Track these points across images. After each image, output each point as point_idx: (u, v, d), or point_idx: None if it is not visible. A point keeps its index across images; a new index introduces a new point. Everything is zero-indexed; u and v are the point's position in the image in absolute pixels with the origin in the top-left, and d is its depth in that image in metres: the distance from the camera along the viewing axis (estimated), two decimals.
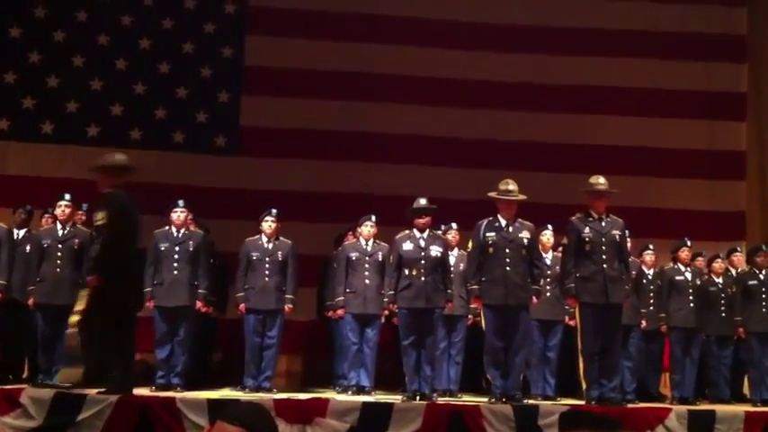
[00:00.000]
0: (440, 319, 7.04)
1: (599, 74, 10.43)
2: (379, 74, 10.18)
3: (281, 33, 10.16)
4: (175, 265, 7.16)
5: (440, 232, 8.02)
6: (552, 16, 10.53)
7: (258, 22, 10.27)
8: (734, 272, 8.31)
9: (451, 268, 7.55)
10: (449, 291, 6.97)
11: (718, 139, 10.56)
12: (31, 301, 7.16)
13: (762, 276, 7.91)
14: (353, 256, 7.66)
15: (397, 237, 7.03)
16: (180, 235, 7.27)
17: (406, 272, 6.85)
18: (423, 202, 7.06)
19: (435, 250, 6.90)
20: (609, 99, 10.39)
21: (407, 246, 6.90)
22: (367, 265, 7.61)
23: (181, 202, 7.34)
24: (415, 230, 6.97)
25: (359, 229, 7.83)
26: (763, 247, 8.19)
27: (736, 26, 10.83)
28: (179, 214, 7.28)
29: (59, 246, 7.17)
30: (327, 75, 10.13)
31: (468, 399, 7.21)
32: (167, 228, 7.30)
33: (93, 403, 6.01)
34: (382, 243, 7.66)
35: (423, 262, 6.83)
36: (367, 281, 7.56)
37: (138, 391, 6.53)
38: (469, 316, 7.71)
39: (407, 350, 6.81)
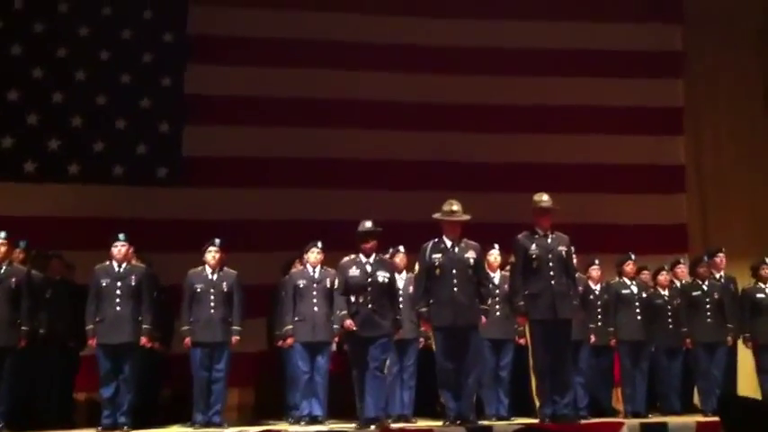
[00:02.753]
0: (389, 345, 6.88)
1: (539, 93, 10.53)
2: (320, 99, 10.13)
3: (221, 61, 10.05)
4: (118, 300, 6.98)
5: (387, 256, 8.00)
6: (493, 38, 10.63)
7: (197, 50, 10.15)
8: (678, 284, 8.42)
9: (400, 292, 7.54)
10: (397, 317, 6.86)
11: (658, 154, 10.73)
12: None
13: (705, 287, 8.02)
14: (301, 283, 7.57)
15: (343, 261, 6.88)
16: (121, 270, 7.10)
17: (353, 299, 6.70)
18: (368, 224, 6.89)
19: (382, 276, 6.75)
20: (550, 118, 10.49)
21: (353, 272, 6.76)
22: (315, 292, 7.52)
23: (122, 236, 7.17)
24: (361, 255, 6.84)
25: (305, 256, 7.75)
26: (705, 258, 8.32)
27: (671, 42, 11.05)
28: (119, 248, 7.11)
29: None
30: (269, 101, 10.07)
31: (422, 423, 7.15)
32: (108, 263, 7.12)
33: None
34: (330, 269, 7.57)
35: (369, 289, 6.70)
36: (315, 308, 7.47)
37: None
38: (420, 339, 7.66)
39: (358, 379, 6.67)
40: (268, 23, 10.27)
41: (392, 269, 7.05)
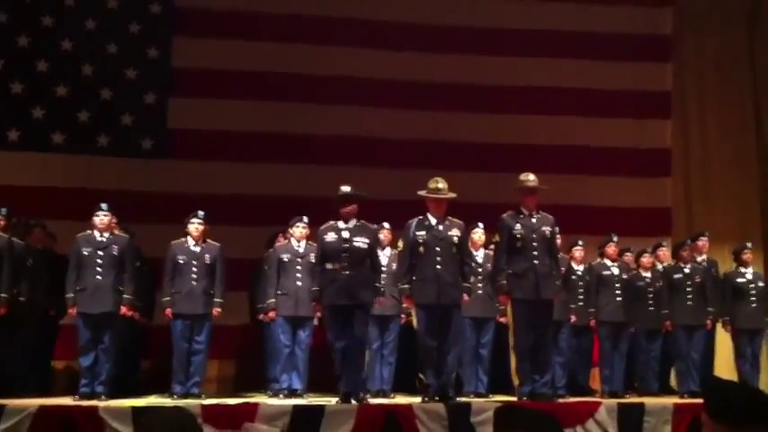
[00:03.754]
0: (368, 317, 6.77)
1: (526, 74, 10.53)
2: (307, 74, 10.09)
3: (207, 34, 10.00)
4: (99, 270, 6.93)
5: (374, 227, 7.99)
6: (480, 17, 10.61)
7: (184, 22, 10.09)
8: (660, 266, 8.45)
9: (383, 268, 7.53)
10: (376, 285, 6.70)
11: (645, 137, 10.77)
12: None
13: (687, 270, 8.05)
14: (285, 257, 7.55)
15: (321, 228, 6.72)
16: (104, 239, 7.05)
17: (329, 266, 6.56)
18: (346, 189, 6.69)
19: (361, 241, 6.58)
20: (537, 99, 10.49)
21: (329, 237, 6.58)
22: (299, 267, 7.52)
23: (104, 206, 7.11)
24: (339, 221, 6.69)
25: (290, 231, 7.73)
26: (688, 242, 8.37)
27: (660, 26, 11.06)
28: (102, 218, 7.05)
29: None
30: (255, 75, 10.02)
31: (401, 399, 7.18)
32: (90, 232, 7.08)
33: (11, 414, 5.81)
34: (314, 244, 7.56)
35: (345, 254, 6.52)
36: (299, 282, 7.47)
37: (60, 401, 6.32)
38: (402, 315, 7.68)
39: (336, 351, 6.58)
40: None
41: (374, 236, 6.87)
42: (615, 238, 8.14)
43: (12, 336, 7.17)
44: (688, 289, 7.94)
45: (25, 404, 6.00)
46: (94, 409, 5.96)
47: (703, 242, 8.41)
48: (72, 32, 9.81)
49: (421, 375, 6.85)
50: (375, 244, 6.91)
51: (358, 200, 6.73)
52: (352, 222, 6.67)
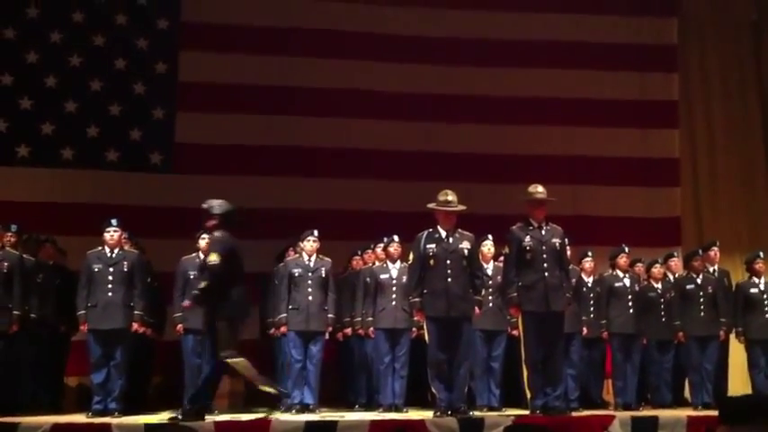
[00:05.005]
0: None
1: (534, 85, 10.53)
2: (314, 87, 10.12)
3: (214, 48, 10.04)
4: (110, 286, 6.93)
5: (381, 245, 7.99)
6: (487, 29, 10.62)
7: (191, 37, 10.13)
8: (671, 277, 8.42)
9: (393, 281, 7.54)
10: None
11: (653, 147, 10.75)
12: None
13: (699, 281, 8.02)
14: (296, 272, 7.54)
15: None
16: (114, 255, 7.05)
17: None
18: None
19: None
20: (544, 110, 10.48)
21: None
22: (310, 281, 7.50)
23: (114, 221, 7.12)
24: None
25: (301, 245, 7.72)
26: (700, 252, 8.33)
27: (666, 36, 11.06)
28: (112, 234, 7.06)
29: None
30: (262, 89, 10.05)
31: (413, 413, 7.15)
32: (100, 248, 7.08)
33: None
34: (325, 258, 7.57)
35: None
36: (310, 297, 7.45)
37: (73, 418, 6.30)
38: (413, 329, 7.65)
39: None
40: (261, 12, 10.24)
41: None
42: (627, 249, 8.11)
43: (23, 352, 7.16)
44: (700, 300, 7.90)
45: (39, 422, 5.98)
46: (108, 426, 5.94)
47: (715, 252, 8.37)
48: (80, 48, 9.86)
49: (433, 389, 6.82)
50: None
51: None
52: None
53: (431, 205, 6.79)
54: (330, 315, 7.48)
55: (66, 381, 8.32)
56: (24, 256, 7.26)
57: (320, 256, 7.57)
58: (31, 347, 7.30)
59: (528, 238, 6.82)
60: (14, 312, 6.88)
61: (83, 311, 6.90)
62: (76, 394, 8.36)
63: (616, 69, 10.75)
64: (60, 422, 6.07)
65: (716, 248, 8.41)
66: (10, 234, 7.46)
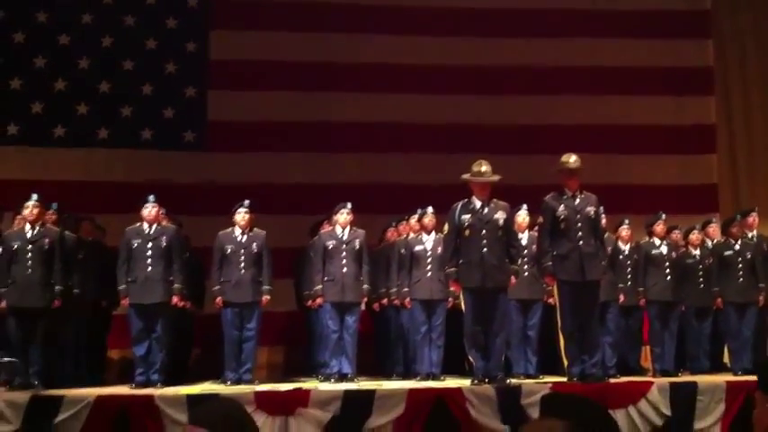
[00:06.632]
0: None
1: (567, 54, 10.44)
2: (346, 63, 10.13)
3: (244, 26, 10.09)
4: (149, 261, 7.03)
5: (415, 217, 8.00)
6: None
7: (221, 15, 10.17)
8: (710, 243, 8.34)
9: (428, 253, 7.56)
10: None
11: (688, 114, 10.63)
12: (3, 304, 6.99)
13: (737, 247, 7.94)
14: (330, 244, 7.58)
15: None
16: (152, 231, 7.14)
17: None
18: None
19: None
20: (577, 79, 10.40)
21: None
22: (344, 253, 7.54)
23: (151, 197, 7.20)
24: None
25: (335, 217, 7.75)
26: (738, 218, 8.23)
27: (699, 2, 10.90)
28: (150, 209, 7.14)
29: (29, 247, 7.00)
30: (294, 66, 10.08)
31: (450, 381, 7.18)
32: (138, 224, 7.17)
33: (70, 404, 5.93)
34: (359, 230, 7.61)
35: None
36: (345, 269, 7.49)
37: (116, 390, 6.42)
38: (449, 299, 7.68)
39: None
40: None
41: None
42: (664, 217, 8.03)
43: (66, 327, 7.29)
44: (739, 266, 7.84)
45: (83, 394, 6.12)
46: (150, 397, 6.06)
47: (753, 218, 8.24)
48: (111, 29, 9.95)
49: (470, 358, 6.84)
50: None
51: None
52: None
53: (465, 176, 6.79)
54: (365, 286, 7.51)
55: (109, 354, 8.48)
56: (66, 233, 7.36)
57: (353, 228, 7.60)
58: (73, 322, 7.42)
59: (562, 208, 6.80)
60: (57, 288, 6.99)
61: (123, 286, 7.01)
62: (119, 367, 8.52)
63: (649, 37, 10.61)
64: (104, 394, 6.21)
65: (754, 214, 8.29)
66: (50, 212, 7.57)
